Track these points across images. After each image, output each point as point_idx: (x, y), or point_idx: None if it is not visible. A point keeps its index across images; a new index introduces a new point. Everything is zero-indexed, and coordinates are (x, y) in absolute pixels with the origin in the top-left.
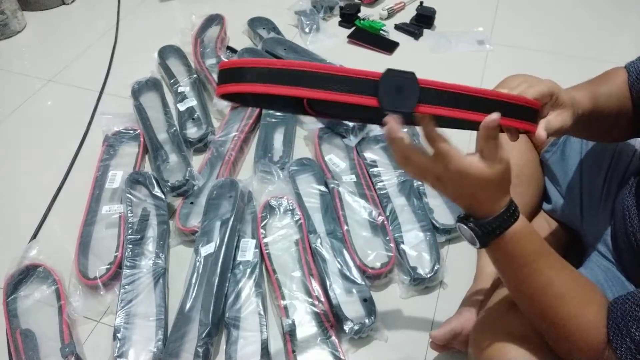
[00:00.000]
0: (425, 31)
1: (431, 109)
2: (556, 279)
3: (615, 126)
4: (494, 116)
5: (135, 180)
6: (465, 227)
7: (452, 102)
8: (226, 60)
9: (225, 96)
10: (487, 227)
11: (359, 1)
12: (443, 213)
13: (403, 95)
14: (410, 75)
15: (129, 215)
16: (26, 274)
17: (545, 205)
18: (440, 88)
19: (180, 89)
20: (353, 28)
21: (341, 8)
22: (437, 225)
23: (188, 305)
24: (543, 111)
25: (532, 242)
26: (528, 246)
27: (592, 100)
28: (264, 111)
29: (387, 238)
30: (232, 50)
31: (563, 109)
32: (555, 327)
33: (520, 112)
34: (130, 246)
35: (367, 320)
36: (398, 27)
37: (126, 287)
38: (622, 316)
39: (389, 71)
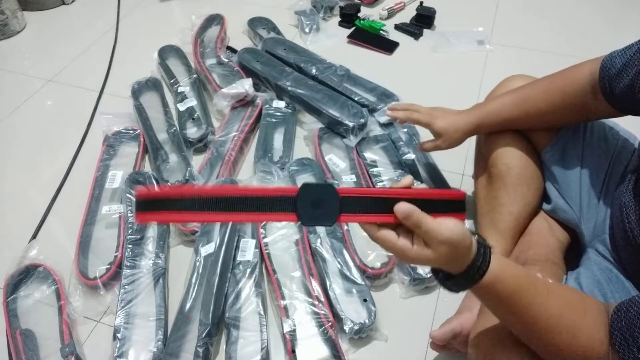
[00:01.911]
0: (425, 31)
1: (353, 217)
2: (541, 313)
3: (579, 114)
4: (403, 208)
5: (135, 180)
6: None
7: (374, 208)
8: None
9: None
10: (453, 284)
11: (359, 1)
12: None
13: (324, 208)
14: (329, 187)
15: (129, 215)
16: (26, 274)
17: (545, 206)
18: (359, 195)
19: (180, 89)
20: (353, 28)
21: (341, 8)
22: None
23: (188, 305)
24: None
25: (507, 286)
26: (501, 292)
27: (489, 116)
28: (264, 111)
29: None
30: (232, 50)
31: (437, 136)
32: (551, 353)
33: (446, 207)
34: (130, 246)
35: (367, 320)
36: (398, 27)
37: (126, 287)
38: (627, 326)
39: (305, 186)
